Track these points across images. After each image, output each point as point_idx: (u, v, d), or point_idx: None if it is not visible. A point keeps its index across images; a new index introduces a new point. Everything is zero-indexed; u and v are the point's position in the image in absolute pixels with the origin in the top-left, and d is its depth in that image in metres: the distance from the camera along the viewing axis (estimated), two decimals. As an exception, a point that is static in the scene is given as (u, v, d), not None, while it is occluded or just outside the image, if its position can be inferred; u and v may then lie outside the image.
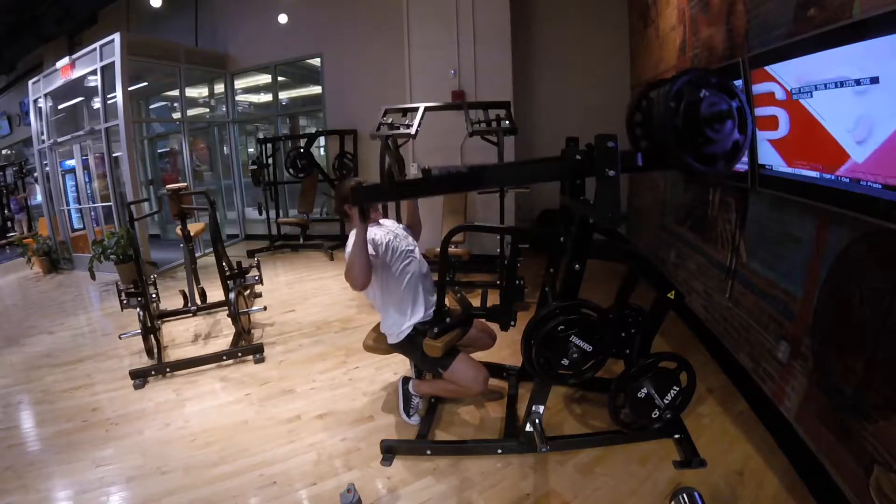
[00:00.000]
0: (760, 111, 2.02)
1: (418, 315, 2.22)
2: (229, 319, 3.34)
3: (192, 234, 4.05)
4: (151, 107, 8.39)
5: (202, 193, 3.87)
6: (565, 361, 1.85)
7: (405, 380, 2.47)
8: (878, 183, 1.40)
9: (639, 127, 1.71)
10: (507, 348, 2.99)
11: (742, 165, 2.28)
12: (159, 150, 8.50)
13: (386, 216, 2.37)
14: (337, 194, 2.33)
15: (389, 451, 2.16)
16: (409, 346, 2.27)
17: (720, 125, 1.51)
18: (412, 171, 5.01)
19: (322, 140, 7.19)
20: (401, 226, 2.39)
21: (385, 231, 2.22)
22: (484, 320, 2.48)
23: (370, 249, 2.01)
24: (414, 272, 2.23)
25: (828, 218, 1.79)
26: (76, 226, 6.84)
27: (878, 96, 1.36)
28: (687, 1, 3.27)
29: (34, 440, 2.51)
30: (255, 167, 6.43)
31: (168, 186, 4.13)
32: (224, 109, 7.60)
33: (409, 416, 2.41)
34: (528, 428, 2.06)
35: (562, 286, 1.95)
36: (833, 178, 1.63)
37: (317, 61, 6.92)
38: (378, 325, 2.52)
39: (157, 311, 3.68)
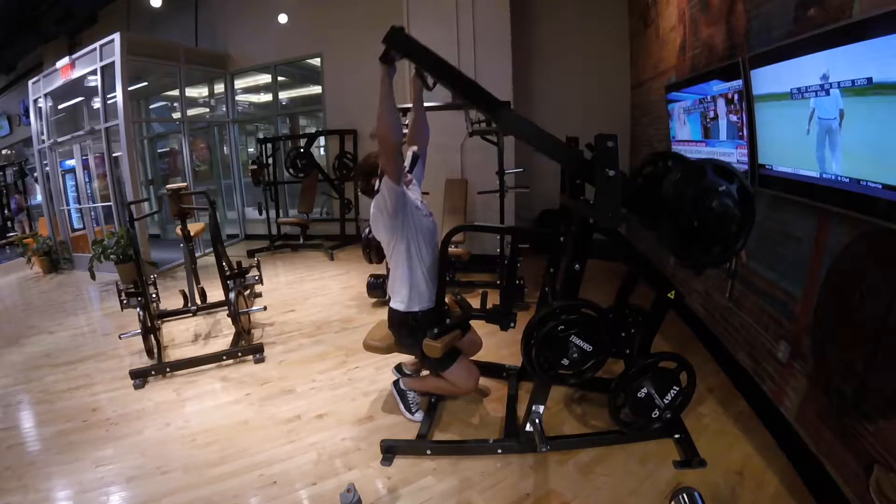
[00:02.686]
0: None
1: (418, 305, 2.16)
2: (229, 319, 3.34)
3: (192, 233, 4.05)
4: (151, 107, 8.40)
5: (202, 193, 3.87)
6: (565, 361, 1.85)
7: (396, 382, 2.50)
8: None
9: (642, 178, 1.72)
10: (507, 348, 2.99)
11: (742, 165, 2.28)
12: (159, 150, 8.51)
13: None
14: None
15: (389, 450, 2.16)
16: (409, 338, 2.25)
17: (724, 226, 1.52)
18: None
19: (322, 140, 7.19)
20: (424, 202, 2.31)
21: (416, 197, 2.18)
22: (482, 322, 2.48)
23: (397, 201, 1.96)
24: (431, 254, 2.18)
25: (828, 218, 1.79)
26: (76, 226, 6.85)
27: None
28: (687, 1, 3.27)
29: (34, 440, 2.50)
30: (255, 167, 6.44)
31: (168, 186, 4.14)
32: (224, 109, 7.60)
33: (411, 413, 2.42)
34: (528, 428, 2.06)
35: (562, 286, 1.95)
36: (833, 177, 1.63)
37: (317, 61, 6.92)
38: (379, 323, 2.52)
39: (157, 311, 3.68)
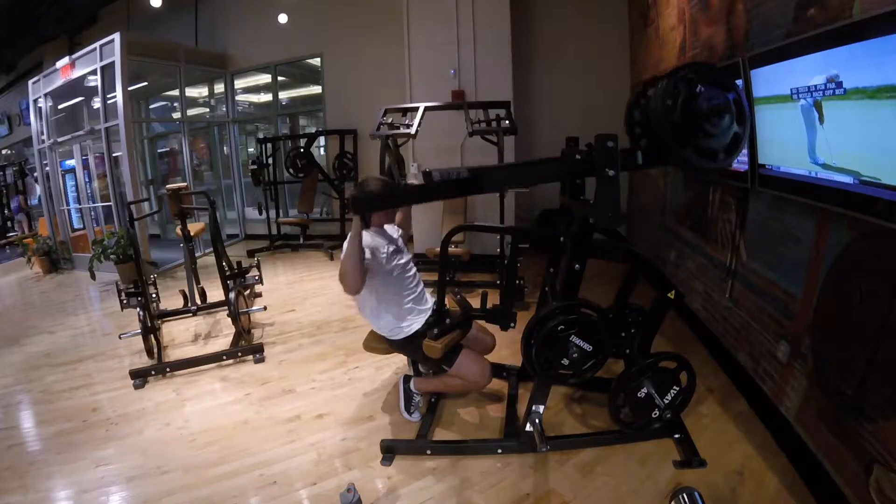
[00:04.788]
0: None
1: (417, 323, 2.24)
2: (229, 319, 3.34)
3: (192, 233, 4.05)
4: (151, 107, 8.39)
5: (202, 193, 3.88)
6: (565, 361, 1.85)
7: (406, 378, 2.47)
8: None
9: (638, 126, 1.71)
10: (507, 348, 2.99)
11: (742, 165, 2.28)
12: (159, 150, 8.51)
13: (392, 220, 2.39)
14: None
15: (389, 450, 2.16)
16: (409, 346, 2.28)
17: (718, 119, 1.51)
18: (412, 171, 5.03)
19: (322, 140, 7.19)
20: (400, 234, 2.40)
21: (386, 240, 2.22)
22: (483, 322, 2.49)
23: (368, 254, 2.02)
24: (411, 283, 2.27)
25: (828, 218, 1.79)
26: (76, 226, 6.84)
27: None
28: (687, 1, 3.27)
29: (34, 440, 2.51)
30: (255, 167, 6.44)
31: (168, 186, 4.14)
32: (224, 109, 7.60)
33: (410, 413, 2.42)
34: (528, 428, 2.06)
35: (562, 286, 1.95)
36: (832, 177, 1.63)
37: (317, 61, 6.92)
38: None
39: (157, 310, 3.68)
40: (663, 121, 1.49)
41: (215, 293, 4.04)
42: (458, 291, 2.41)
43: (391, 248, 2.18)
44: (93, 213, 6.26)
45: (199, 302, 4.11)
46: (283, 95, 7.55)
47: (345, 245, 2.02)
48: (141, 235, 5.36)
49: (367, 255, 2.02)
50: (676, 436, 2.13)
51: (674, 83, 1.49)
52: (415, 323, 2.24)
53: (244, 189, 7.74)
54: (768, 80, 1.94)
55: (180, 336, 3.77)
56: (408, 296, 2.25)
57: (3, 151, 10.64)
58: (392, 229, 2.36)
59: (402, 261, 2.25)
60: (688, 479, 1.89)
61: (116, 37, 5.29)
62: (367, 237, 2.09)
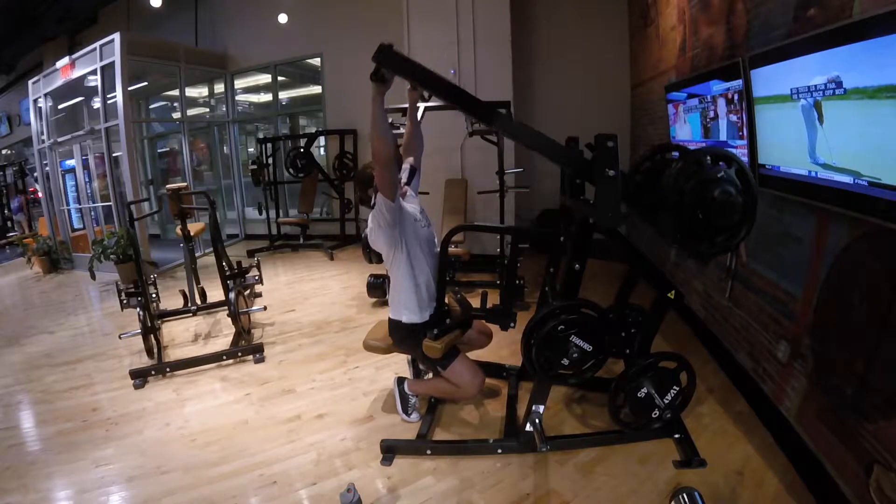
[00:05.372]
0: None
1: (425, 316, 2.19)
2: (229, 319, 3.34)
3: (192, 233, 4.05)
4: (151, 107, 8.40)
5: (202, 193, 3.88)
6: (565, 361, 1.85)
7: (399, 380, 2.49)
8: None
9: (641, 174, 1.72)
10: (507, 348, 2.99)
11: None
12: (159, 150, 8.51)
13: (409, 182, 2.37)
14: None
15: (389, 450, 2.16)
16: (409, 341, 2.26)
17: (727, 214, 1.50)
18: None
19: (322, 140, 7.19)
20: (424, 214, 2.35)
21: (414, 208, 2.22)
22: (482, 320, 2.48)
23: (398, 205, 2.01)
24: (432, 263, 2.21)
25: (828, 218, 1.79)
26: (76, 226, 6.85)
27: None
28: (687, 1, 3.27)
29: (34, 440, 2.51)
30: (255, 167, 6.44)
31: (168, 186, 4.14)
32: (224, 109, 7.61)
33: (408, 414, 2.42)
34: (528, 428, 2.06)
35: (562, 286, 1.95)
36: (832, 177, 1.63)
37: (317, 61, 6.93)
38: (379, 323, 2.52)
39: (157, 310, 3.68)
40: (673, 190, 1.49)
41: (215, 293, 4.04)
42: (458, 291, 2.41)
43: (416, 216, 2.18)
44: (93, 213, 6.27)
45: (199, 302, 4.11)
46: (283, 95, 7.56)
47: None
48: (141, 235, 5.36)
49: (398, 206, 2.01)
50: (676, 436, 2.13)
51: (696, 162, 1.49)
52: (419, 314, 2.18)
53: (244, 189, 7.74)
54: (768, 80, 1.94)
55: (180, 336, 3.77)
56: (430, 275, 2.18)
57: (3, 151, 10.64)
58: (415, 205, 2.29)
59: (427, 236, 2.20)
60: (688, 479, 1.89)
61: (116, 37, 5.29)
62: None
